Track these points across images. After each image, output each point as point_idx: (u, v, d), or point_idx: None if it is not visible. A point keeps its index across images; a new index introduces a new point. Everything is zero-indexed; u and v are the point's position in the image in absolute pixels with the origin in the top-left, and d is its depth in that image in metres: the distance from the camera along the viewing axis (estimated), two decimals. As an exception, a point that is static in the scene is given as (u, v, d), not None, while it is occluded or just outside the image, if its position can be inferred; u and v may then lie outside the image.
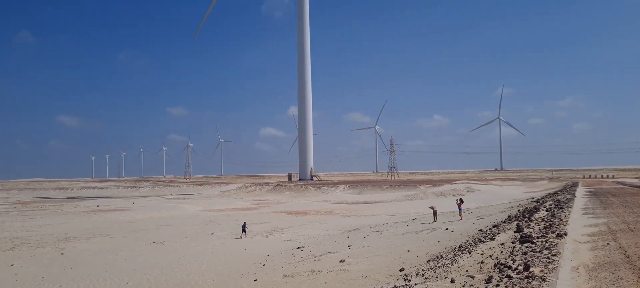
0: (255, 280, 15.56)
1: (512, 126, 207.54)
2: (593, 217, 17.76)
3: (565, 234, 12.41)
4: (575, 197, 30.20)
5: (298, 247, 22.81)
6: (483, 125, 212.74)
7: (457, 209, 27.62)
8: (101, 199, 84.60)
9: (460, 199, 28.44)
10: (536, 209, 21.78)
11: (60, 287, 17.31)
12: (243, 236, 29.50)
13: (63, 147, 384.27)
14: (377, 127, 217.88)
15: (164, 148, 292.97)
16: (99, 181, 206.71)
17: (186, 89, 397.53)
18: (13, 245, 28.55)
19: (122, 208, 58.80)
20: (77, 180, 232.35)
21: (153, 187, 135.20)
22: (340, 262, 16.40)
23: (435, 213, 27.95)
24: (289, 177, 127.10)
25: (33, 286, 17.62)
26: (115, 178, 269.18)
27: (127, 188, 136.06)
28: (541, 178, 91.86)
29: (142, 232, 33.84)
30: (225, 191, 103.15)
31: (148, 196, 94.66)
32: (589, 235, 12.76)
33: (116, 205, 64.88)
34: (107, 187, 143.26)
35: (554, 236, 12.12)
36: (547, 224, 14.96)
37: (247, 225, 31.39)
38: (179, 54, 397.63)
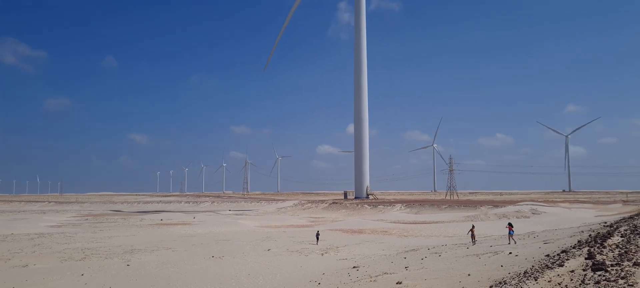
0: (310, 299, 15.50)
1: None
2: (676, 245, 16.24)
3: (644, 263, 11.41)
4: (654, 222, 27.83)
5: (353, 267, 22.56)
6: (549, 128, 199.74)
7: (508, 233, 26.53)
8: (164, 213, 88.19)
9: (510, 223, 27.61)
10: (609, 234, 20.27)
11: (126, 297, 18.08)
12: (317, 243, 34.81)
13: (132, 162, 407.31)
14: (435, 145, 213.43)
15: (224, 164, 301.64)
16: (163, 195, 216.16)
17: (250, 109, 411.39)
18: (84, 255, 30.31)
19: (184, 222, 60.96)
20: (143, 194, 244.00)
21: (213, 202, 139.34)
22: (397, 283, 16.02)
23: (473, 235, 28.93)
24: (345, 194, 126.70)
25: (101, 295, 18.53)
26: (178, 193, 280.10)
27: (189, 203, 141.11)
28: (614, 201, 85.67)
29: (202, 246, 34.84)
30: (281, 208, 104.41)
31: (208, 211, 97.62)
32: (671, 264, 11.67)
33: (178, 219, 67.36)
34: (170, 202, 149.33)
35: (631, 264, 11.18)
36: (623, 251, 13.85)
37: (319, 234, 37.62)
38: (247, 76, 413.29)
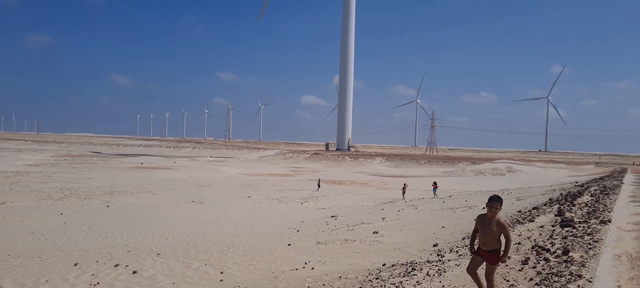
0: (289, 245, 15.87)
1: (556, 109, 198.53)
2: (641, 206, 16.97)
3: (610, 221, 11.95)
4: (622, 183, 28.92)
5: (332, 216, 23.04)
6: (528, 99, 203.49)
7: (433, 190, 32.73)
8: (145, 157, 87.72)
9: (434, 182, 34.06)
10: (580, 194, 21.03)
11: (105, 237, 18.23)
12: (318, 190, 37.47)
13: (112, 104, 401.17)
14: (418, 100, 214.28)
15: (206, 111, 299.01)
16: (143, 139, 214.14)
17: (237, 56, 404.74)
18: (63, 195, 30.21)
19: (164, 166, 60.87)
20: (123, 137, 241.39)
21: (194, 148, 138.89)
22: (373, 233, 16.46)
23: (404, 192, 32.81)
24: (327, 146, 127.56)
25: (80, 234, 18.64)
26: (158, 137, 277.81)
27: (170, 148, 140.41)
28: (587, 163, 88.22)
29: (183, 191, 35.01)
30: (262, 156, 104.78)
31: (189, 157, 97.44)
32: (634, 223, 12.25)
33: (158, 164, 67.20)
34: (151, 146, 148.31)
35: (597, 222, 11.69)
36: (591, 210, 14.44)
37: (320, 182, 40.74)
38: (235, 22, 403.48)
